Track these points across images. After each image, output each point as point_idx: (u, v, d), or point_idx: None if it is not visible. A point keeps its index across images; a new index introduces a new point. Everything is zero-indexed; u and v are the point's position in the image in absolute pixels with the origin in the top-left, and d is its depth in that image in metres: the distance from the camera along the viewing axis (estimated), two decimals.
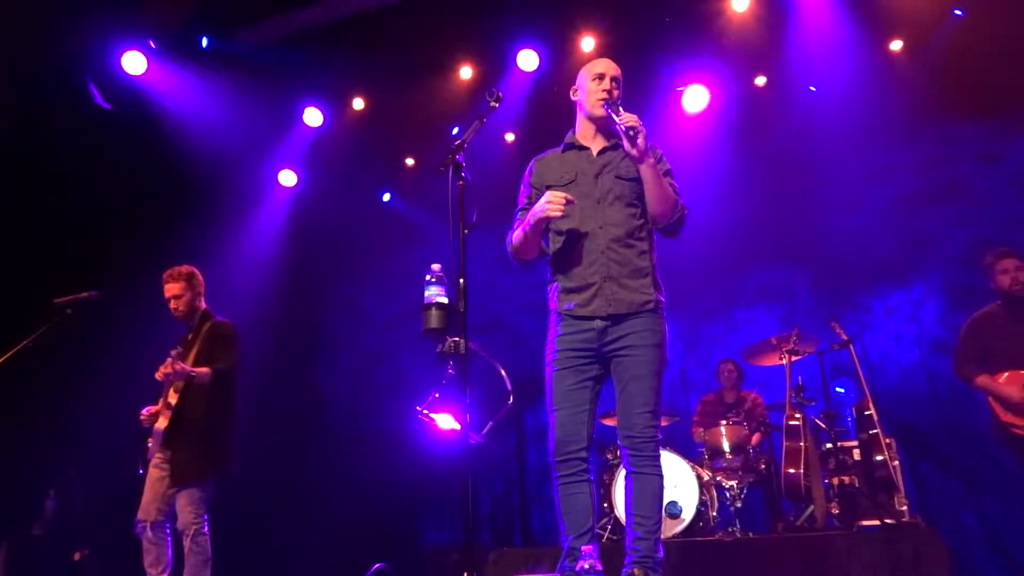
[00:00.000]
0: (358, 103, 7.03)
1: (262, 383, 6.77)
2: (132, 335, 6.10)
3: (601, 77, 3.06)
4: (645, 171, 2.90)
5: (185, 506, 4.07)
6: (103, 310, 4.37)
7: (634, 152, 2.82)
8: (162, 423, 4.16)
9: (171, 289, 4.35)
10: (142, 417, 4.25)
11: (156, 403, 4.26)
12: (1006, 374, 4.44)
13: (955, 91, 6.22)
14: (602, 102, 2.99)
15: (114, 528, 5.71)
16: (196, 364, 4.17)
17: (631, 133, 2.80)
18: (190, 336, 4.38)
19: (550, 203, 2.84)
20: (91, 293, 4.14)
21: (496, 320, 7.45)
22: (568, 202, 2.87)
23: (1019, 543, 5.75)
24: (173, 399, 4.19)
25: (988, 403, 4.49)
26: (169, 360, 4.00)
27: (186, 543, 4.06)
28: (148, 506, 4.14)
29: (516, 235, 3.07)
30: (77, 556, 5.38)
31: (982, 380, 4.51)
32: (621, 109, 2.90)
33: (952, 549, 3.91)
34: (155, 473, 4.17)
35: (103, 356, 6.02)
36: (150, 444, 4.22)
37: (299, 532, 6.83)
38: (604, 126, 3.08)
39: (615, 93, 3.02)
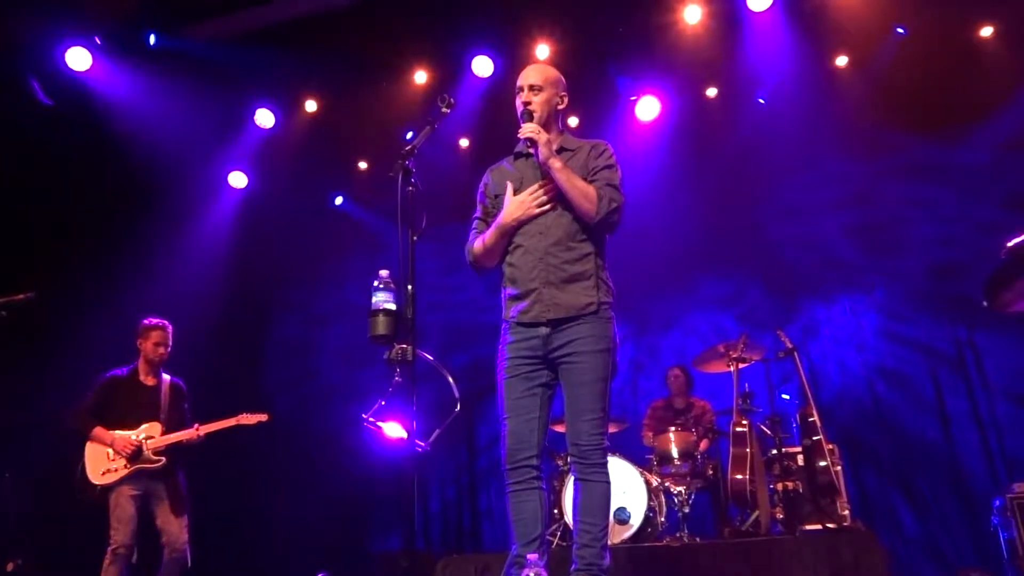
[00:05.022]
0: (311, 105, 6.93)
1: (208, 387, 6.63)
2: (69, 338, 5.93)
3: (520, 90, 3.11)
4: (553, 175, 2.95)
5: (183, 529, 4.66)
6: (41, 312, 4.25)
7: (540, 159, 2.96)
8: (153, 459, 4.64)
9: (168, 337, 4.89)
10: (129, 444, 4.61)
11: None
12: None
13: (898, 104, 6.43)
14: (519, 115, 3.07)
15: (49, 536, 5.54)
16: (172, 418, 4.78)
17: (527, 145, 2.98)
18: (145, 381, 4.85)
19: (527, 203, 2.93)
20: (27, 295, 4.04)
21: (456, 325, 7.42)
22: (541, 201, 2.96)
23: (953, 545, 5.94)
24: (161, 441, 4.67)
25: None
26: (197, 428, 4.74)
27: (177, 559, 4.62)
28: (134, 534, 4.55)
29: (477, 244, 3.09)
30: (10, 566, 5.20)
31: None
32: (532, 119, 3.00)
33: (891, 552, 4.01)
34: (133, 503, 4.57)
35: (38, 358, 5.84)
36: (123, 471, 4.59)
37: (245, 539, 6.70)
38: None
39: (533, 100, 3.05)
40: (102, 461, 4.62)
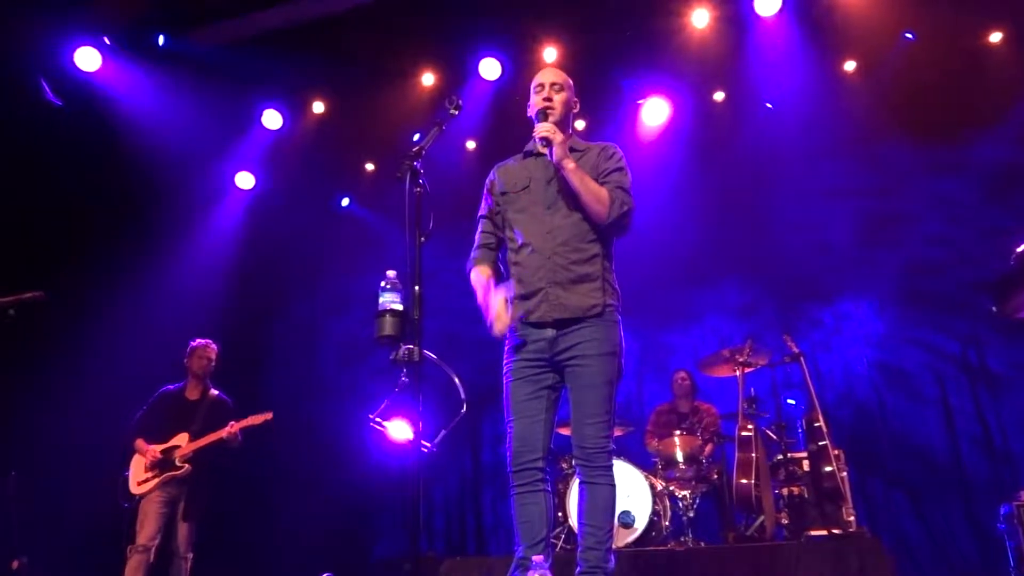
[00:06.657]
0: (318, 106, 6.96)
1: (214, 387, 6.63)
2: (76, 338, 5.94)
3: (540, 87, 3.12)
4: (566, 175, 2.96)
5: (190, 534, 4.91)
6: (48, 312, 4.26)
7: (554, 159, 2.96)
8: (178, 465, 4.89)
9: (210, 353, 5.24)
10: (154, 455, 4.89)
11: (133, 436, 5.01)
12: None
13: (905, 109, 6.41)
14: (535, 112, 3.09)
15: (54, 535, 5.55)
16: (204, 429, 4.98)
17: (543, 143, 2.98)
18: (189, 396, 5.17)
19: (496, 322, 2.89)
20: (36, 294, 4.04)
21: (457, 329, 7.41)
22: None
23: (959, 552, 5.91)
24: (187, 448, 4.91)
25: None
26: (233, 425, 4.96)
27: (185, 565, 4.88)
28: (157, 534, 4.79)
29: (472, 277, 3.09)
30: (15, 564, 5.21)
31: None
32: (548, 118, 3.00)
33: (896, 558, 4.00)
34: (158, 508, 4.82)
35: (46, 358, 5.85)
36: (155, 480, 4.86)
37: (247, 541, 6.70)
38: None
39: (554, 98, 3.07)
40: (140, 472, 4.93)
